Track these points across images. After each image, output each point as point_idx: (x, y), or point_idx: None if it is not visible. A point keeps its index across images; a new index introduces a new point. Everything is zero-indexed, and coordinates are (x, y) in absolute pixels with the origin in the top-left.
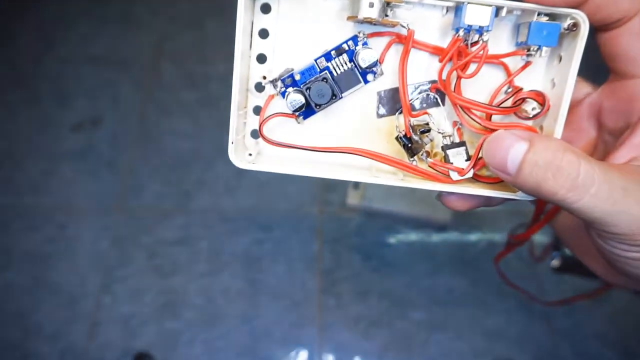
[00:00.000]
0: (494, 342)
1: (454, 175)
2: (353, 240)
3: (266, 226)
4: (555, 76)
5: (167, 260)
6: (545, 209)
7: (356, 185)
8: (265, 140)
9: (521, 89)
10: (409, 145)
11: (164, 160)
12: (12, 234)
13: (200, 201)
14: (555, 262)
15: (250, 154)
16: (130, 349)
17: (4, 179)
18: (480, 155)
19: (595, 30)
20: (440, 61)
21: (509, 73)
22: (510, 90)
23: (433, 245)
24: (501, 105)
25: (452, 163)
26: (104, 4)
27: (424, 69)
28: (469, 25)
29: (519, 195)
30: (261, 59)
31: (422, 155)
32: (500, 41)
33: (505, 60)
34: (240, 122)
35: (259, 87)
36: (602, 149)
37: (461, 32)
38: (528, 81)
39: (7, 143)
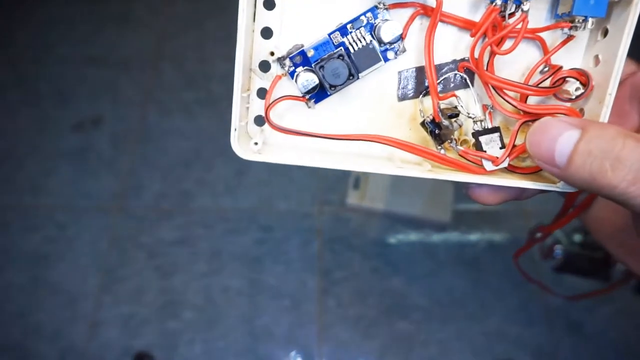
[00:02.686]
0: (494, 342)
1: (488, 165)
2: (353, 240)
3: (266, 226)
4: (599, 52)
5: (167, 260)
6: (575, 202)
7: (356, 185)
8: (272, 127)
9: (560, 67)
10: (437, 131)
11: (164, 160)
12: (12, 234)
13: (200, 201)
14: (556, 262)
15: (255, 143)
16: (130, 349)
17: (4, 179)
18: (516, 142)
19: None
20: (473, 35)
21: (546, 50)
22: (547, 69)
23: (433, 245)
24: (539, 86)
25: (485, 151)
26: (104, 4)
27: (450, 46)
28: None
29: (560, 187)
30: (267, 33)
31: (450, 143)
32: (536, 13)
33: (542, 35)
34: (243, 106)
35: (264, 66)
36: None
37: (498, 1)
38: (565, 59)
39: (7, 143)
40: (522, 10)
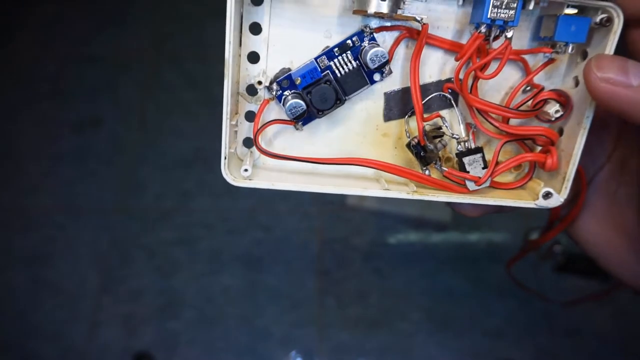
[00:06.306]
0: (494, 342)
1: (471, 185)
2: (353, 240)
3: (266, 226)
4: (579, 74)
5: (167, 260)
6: (560, 215)
7: None
8: (261, 152)
9: (542, 88)
10: (422, 154)
11: (164, 160)
12: (12, 234)
13: (200, 201)
14: (556, 263)
15: (246, 169)
16: (130, 349)
17: (4, 179)
18: (498, 160)
19: (625, 25)
20: (458, 59)
21: (528, 71)
22: (529, 89)
23: (433, 245)
24: (521, 107)
25: (468, 172)
26: (104, 4)
27: (436, 68)
28: (491, 20)
29: (538, 204)
30: (253, 57)
31: (435, 164)
32: (519, 35)
33: (525, 56)
34: (232, 131)
35: (252, 90)
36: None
37: (483, 28)
38: (546, 80)
39: (7, 143)
40: (506, 36)
